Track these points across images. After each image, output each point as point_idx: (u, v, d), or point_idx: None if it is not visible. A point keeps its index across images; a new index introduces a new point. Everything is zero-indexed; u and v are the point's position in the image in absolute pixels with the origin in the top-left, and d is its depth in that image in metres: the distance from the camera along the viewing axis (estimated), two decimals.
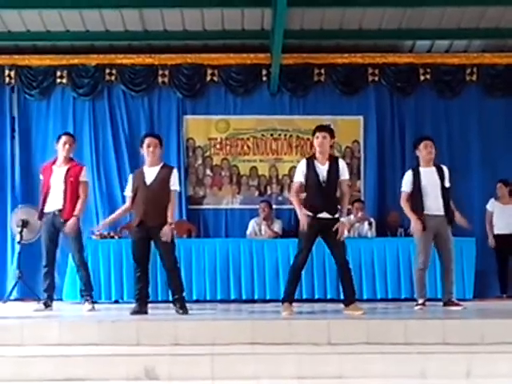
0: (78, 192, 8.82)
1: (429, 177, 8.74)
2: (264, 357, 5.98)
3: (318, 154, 8.04)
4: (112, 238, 10.86)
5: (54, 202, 8.75)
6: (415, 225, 8.69)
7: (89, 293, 8.93)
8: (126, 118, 12.27)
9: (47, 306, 8.79)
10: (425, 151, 8.79)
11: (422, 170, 8.81)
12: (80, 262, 8.86)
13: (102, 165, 12.12)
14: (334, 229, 7.82)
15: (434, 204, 8.68)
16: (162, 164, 8.30)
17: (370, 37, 11.81)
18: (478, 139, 12.17)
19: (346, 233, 8.18)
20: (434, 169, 8.82)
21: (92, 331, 6.58)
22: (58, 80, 12.16)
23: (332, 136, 8.13)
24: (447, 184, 8.79)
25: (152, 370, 5.82)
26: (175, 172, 8.30)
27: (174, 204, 8.36)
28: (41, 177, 9.07)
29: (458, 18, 11.19)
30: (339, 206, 8.04)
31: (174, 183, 8.21)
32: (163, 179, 8.14)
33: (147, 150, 8.21)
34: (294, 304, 8.11)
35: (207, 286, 10.43)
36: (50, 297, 8.87)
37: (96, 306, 8.98)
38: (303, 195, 8.18)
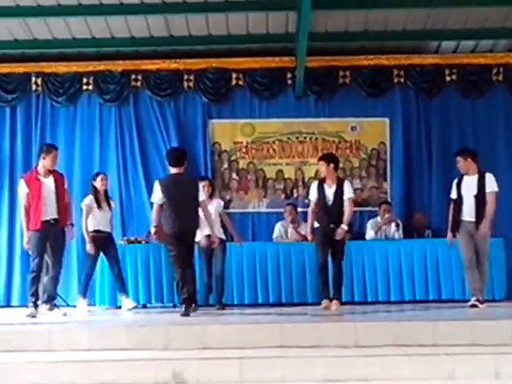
0: (65, 200, 9.46)
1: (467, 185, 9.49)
2: (292, 360, 6.00)
3: (326, 179, 9.57)
4: (139, 242, 10.93)
5: (49, 211, 9.03)
6: None
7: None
8: (152, 123, 12.29)
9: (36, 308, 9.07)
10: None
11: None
12: (59, 270, 9.25)
13: (129, 170, 12.16)
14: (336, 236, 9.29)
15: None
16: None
17: (394, 38, 11.78)
18: (504, 139, 12.09)
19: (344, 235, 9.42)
20: (475, 176, 9.50)
21: (121, 336, 6.63)
22: (85, 86, 12.22)
23: (329, 162, 9.54)
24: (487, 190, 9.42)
25: (180, 374, 5.85)
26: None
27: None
28: (25, 188, 9.15)
29: (484, 17, 11.11)
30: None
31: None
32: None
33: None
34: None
35: (234, 289, 10.45)
36: (36, 302, 9.08)
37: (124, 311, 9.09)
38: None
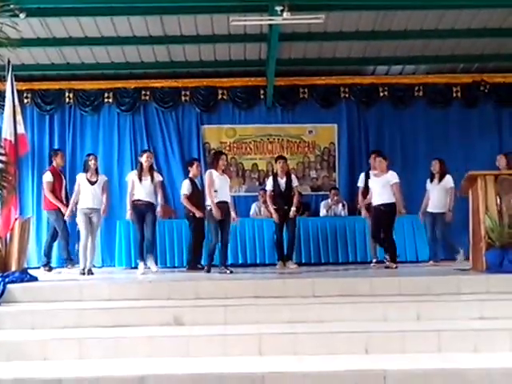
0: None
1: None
2: (264, 307, 5.97)
3: (279, 173, 9.64)
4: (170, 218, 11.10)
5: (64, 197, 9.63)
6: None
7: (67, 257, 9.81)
8: (158, 129, 12.22)
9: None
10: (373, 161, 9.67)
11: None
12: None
13: None
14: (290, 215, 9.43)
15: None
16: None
17: (341, 63, 11.78)
18: (423, 140, 12.11)
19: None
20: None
21: (133, 289, 6.58)
22: (106, 100, 12.12)
23: (286, 161, 9.83)
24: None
25: (179, 318, 5.82)
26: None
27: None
28: (51, 177, 9.48)
29: (408, 48, 11.15)
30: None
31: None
32: None
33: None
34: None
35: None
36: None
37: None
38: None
